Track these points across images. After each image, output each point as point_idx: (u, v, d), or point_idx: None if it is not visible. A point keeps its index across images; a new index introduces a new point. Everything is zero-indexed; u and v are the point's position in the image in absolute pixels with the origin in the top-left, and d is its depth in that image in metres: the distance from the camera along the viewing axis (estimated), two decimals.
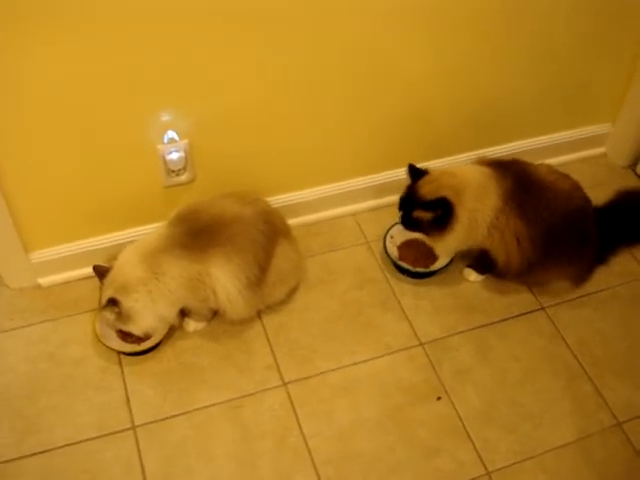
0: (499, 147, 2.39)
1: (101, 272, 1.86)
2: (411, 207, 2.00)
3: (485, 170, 1.99)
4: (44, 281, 2.07)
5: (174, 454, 1.77)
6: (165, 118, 1.86)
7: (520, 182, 1.96)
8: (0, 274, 2.04)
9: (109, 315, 1.82)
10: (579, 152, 2.54)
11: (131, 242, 1.89)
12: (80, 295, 2.04)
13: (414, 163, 2.06)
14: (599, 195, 2.19)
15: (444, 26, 1.98)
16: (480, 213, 1.95)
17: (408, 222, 2.04)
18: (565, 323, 2.09)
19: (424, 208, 1.96)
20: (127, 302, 1.80)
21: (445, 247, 2.04)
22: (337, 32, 1.88)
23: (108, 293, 1.81)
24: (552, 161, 2.38)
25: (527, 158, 2.09)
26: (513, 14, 2.04)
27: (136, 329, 1.86)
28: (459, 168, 2.04)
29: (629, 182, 2.50)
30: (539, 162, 2.08)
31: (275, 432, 1.82)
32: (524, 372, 1.97)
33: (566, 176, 2.04)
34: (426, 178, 2.00)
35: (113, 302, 1.79)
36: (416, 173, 2.03)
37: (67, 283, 2.09)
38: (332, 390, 1.91)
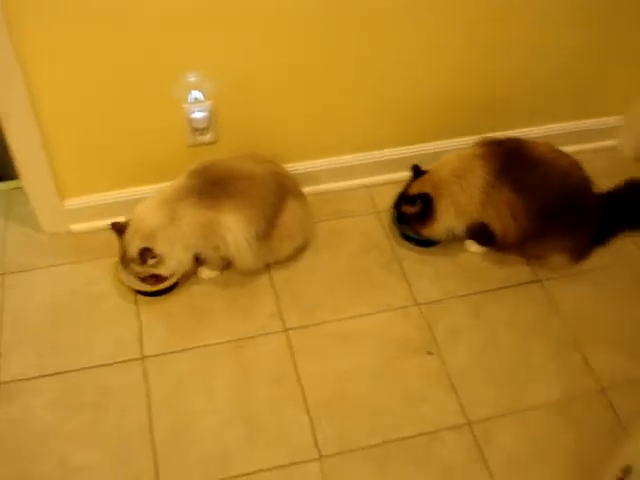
0: (510, 132, 2.41)
1: (119, 228, 2.00)
2: (400, 203, 2.23)
3: (474, 151, 2.13)
4: (75, 227, 2.25)
5: (178, 383, 1.91)
6: (192, 79, 2.01)
7: (513, 158, 2.08)
8: (38, 219, 2.22)
9: (148, 261, 1.96)
10: (589, 143, 2.60)
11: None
12: (106, 242, 2.18)
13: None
14: (608, 186, 2.26)
15: (462, 14, 2.09)
16: (464, 194, 2.10)
17: (399, 217, 2.26)
18: (560, 295, 2.17)
19: (408, 202, 2.17)
20: (158, 248, 1.95)
21: (433, 234, 2.19)
22: (360, 4, 1.98)
23: (137, 243, 1.95)
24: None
25: None
26: (528, 1, 2.12)
27: (165, 270, 2.01)
28: (440, 162, 2.19)
29: (639, 174, 2.55)
30: None
31: (272, 371, 1.95)
32: (515, 336, 2.06)
33: (565, 154, 2.13)
34: (420, 178, 2.19)
35: (147, 250, 1.94)
36: (417, 173, 2.23)
37: (95, 231, 2.25)
38: (330, 339, 2.03)
